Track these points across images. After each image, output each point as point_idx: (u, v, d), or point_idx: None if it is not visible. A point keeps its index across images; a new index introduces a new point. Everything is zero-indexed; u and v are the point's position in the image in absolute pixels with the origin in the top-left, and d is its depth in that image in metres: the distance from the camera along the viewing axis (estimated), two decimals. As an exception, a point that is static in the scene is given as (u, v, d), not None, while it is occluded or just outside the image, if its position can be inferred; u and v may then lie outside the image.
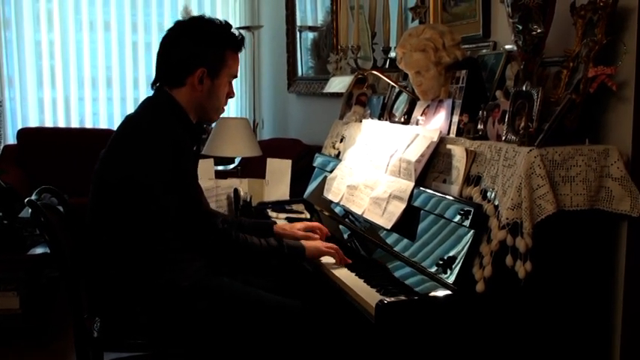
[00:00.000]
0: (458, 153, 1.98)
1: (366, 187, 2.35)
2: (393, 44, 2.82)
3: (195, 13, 5.03)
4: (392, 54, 2.82)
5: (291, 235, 2.35)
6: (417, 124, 2.36)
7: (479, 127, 2.05)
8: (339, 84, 3.13)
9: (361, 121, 2.70)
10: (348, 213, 2.45)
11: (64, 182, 3.92)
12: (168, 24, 3.41)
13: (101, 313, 2.13)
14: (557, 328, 1.81)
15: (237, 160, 4.49)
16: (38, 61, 5.32)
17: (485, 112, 2.03)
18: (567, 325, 1.82)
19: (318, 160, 2.96)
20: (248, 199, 2.85)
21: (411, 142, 2.20)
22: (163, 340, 2.06)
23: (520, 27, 1.85)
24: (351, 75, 3.05)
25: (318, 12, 4.44)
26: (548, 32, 1.86)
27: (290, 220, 2.69)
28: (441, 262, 1.80)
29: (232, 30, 2.15)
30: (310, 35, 4.58)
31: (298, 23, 4.74)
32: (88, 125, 5.48)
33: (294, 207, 2.93)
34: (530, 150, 1.74)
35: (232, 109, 5.65)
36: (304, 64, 4.72)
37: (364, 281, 1.99)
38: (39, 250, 3.41)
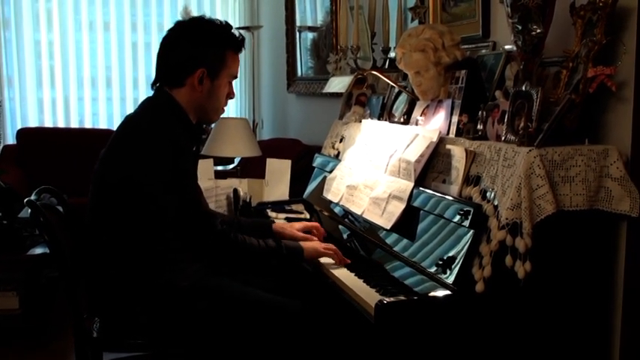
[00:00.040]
0: (457, 153, 1.98)
1: (365, 187, 2.35)
2: (392, 44, 2.82)
3: (194, 13, 5.03)
4: (391, 54, 2.82)
5: (291, 235, 2.36)
6: (416, 124, 2.36)
7: (478, 127, 2.05)
8: (338, 84, 3.13)
9: (361, 122, 2.70)
10: (347, 213, 2.45)
11: (64, 182, 3.91)
12: (168, 24, 3.41)
13: (101, 313, 2.12)
14: (557, 328, 1.81)
15: (236, 161, 4.48)
16: (38, 61, 5.31)
17: (484, 113, 2.03)
18: (567, 325, 1.82)
19: (318, 161, 2.96)
20: (247, 200, 2.85)
21: (410, 143, 2.20)
22: (163, 340, 2.06)
23: (519, 27, 1.85)
24: (351, 75, 3.04)
25: (317, 12, 4.44)
26: (548, 32, 1.86)
27: (289, 220, 2.69)
28: (440, 262, 1.80)
29: (232, 30, 2.15)
30: (310, 35, 4.58)
31: (298, 23, 4.74)
32: (88, 125, 5.48)
33: (294, 207, 2.93)
34: (530, 150, 1.74)
35: (232, 109, 5.65)
36: (304, 65, 4.72)
37: (364, 281, 1.99)
38: (38, 250, 3.41)
